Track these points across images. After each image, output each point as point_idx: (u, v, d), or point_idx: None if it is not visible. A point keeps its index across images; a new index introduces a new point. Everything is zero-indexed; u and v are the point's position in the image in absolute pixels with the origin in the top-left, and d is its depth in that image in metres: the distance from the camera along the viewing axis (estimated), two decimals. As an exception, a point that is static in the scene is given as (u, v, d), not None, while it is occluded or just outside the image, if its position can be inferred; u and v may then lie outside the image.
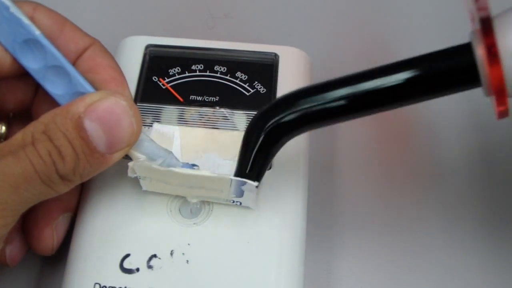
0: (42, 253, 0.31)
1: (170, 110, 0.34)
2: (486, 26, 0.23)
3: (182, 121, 0.34)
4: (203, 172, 0.29)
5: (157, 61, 0.36)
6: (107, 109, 0.26)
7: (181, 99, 0.35)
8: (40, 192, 0.26)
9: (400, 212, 0.36)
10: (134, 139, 0.27)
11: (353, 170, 0.38)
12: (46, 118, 0.26)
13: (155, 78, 0.35)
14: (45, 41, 0.28)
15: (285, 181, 0.32)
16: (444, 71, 0.25)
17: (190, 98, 0.35)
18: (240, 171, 0.28)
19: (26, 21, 0.28)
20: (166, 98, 0.35)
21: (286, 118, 0.27)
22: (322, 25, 0.44)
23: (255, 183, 0.29)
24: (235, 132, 0.33)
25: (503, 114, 0.25)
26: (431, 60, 0.25)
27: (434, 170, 0.38)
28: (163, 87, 0.35)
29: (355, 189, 0.37)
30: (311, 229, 0.33)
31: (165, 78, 0.35)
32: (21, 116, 0.33)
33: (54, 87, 0.29)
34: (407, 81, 0.25)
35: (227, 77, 0.35)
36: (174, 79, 0.35)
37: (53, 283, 0.33)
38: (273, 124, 0.27)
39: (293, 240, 0.31)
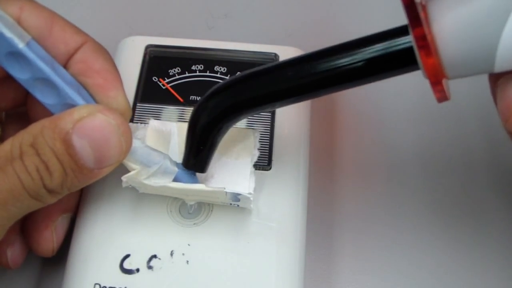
0: (43, 255, 0.31)
1: (170, 110, 0.34)
2: (412, 15, 0.22)
3: (182, 121, 0.34)
4: (197, 186, 0.29)
5: (157, 61, 0.36)
6: (95, 127, 0.26)
7: (181, 99, 0.35)
8: (28, 205, 0.26)
9: (404, 215, 0.36)
10: (123, 157, 0.27)
11: (353, 169, 0.38)
12: (34, 129, 0.26)
13: (155, 78, 0.35)
14: (30, 54, 0.27)
15: (285, 181, 0.32)
16: (383, 54, 0.24)
17: (190, 98, 0.35)
18: (187, 164, 0.29)
19: (8, 34, 0.26)
20: (166, 98, 0.35)
21: (215, 112, 0.27)
22: (322, 25, 0.44)
23: (249, 194, 0.29)
24: (233, 128, 0.33)
25: (441, 99, 0.24)
26: (371, 42, 0.24)
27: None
28: (163, 87, 0.35)
29: (355, 189, 0.37)
30: (311, 229, 0.33)
31: (165, 78, 0.35)
32: (16, 117, 0.33)
33: (44, 97, 0.28)
34: (346, 65, 0.25)
35: (227, 77, 0.35)
36: (174, 79, 0.35)
37: (54, 283, 0.33)
38: (208, 116, 0.27)
39: (293, 241, 0.31)
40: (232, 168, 0.30)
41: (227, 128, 0.28)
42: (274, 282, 0.29)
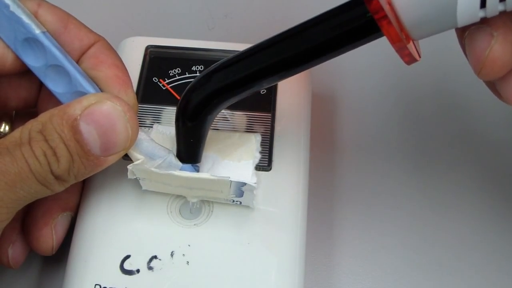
0: (43, 253, 0.31)
1: (170, 111, 0.34)
2: None
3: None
4: (202, 174, 0.29)
5: (157, 62, 0.36)
6: (103, 113, 0.26)
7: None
8: (36, 191, 0.26)
9: (405, 208, 0.36)
10: (129, 144, 0.27)
11: (353, 168, 0.38)
12: (43, 117, 0.26)
13: (155, 79, 0.36)
14: (45, 41, 0.28)
15: (285, 181, 0.32)
16: (345, 28, 0.25)
17: (190, 99, 0.35)
18: (180, 156, 0.29)
19: (26, 20, 0.28)
20: (166, 99, 0.35)
21: (194, 103, 0.28)
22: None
23: (253, 183, 0.29)
24: (235, 133, 0.33)
25: (410, 62, 0.24)
26: (333, 16, 0.25)
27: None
28: (163, 88, 0.35)
29: (356, 188, 0.37)
30: (311, 229, 0.33)
31: (165, 79, 0.35)
32: (25, 115, 0.33)
33: (55, 85, 0.29)
34: (312, 42, 0.25)
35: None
36: (174, 80, 0.35)
37: (54, 284, 0.33)
38: (190, 108, 0.28)
39: (293, 241, 0.31)
40: (235, 169, 0.30)
41: (212, 117, 0.28)
42: (274, 282, 0.29)
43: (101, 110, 0.26)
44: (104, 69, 0.29)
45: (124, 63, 0.30)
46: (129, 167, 0.29)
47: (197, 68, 0.36)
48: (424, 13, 0.23)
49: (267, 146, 0.33)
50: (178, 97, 0.35)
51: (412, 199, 0.37)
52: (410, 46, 0.24)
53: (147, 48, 0.37)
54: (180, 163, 0.30)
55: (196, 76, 0.35)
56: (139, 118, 0.34)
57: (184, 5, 0.46)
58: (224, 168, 0.31)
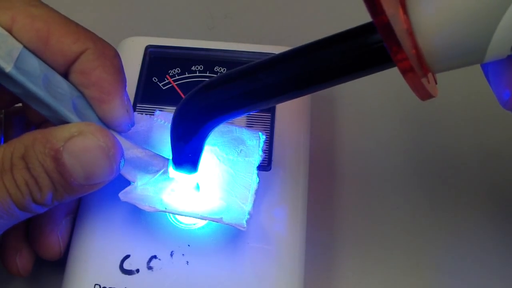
0: (50, 259, 0.31)
1: (170, 111, 0.34)
2: (386, 34, 0.20)
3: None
4: (194, 214, 0.29)
5: (157, 62, 0.36)
6: (85, 148, 0.25)
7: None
8: (17, 217, 0.26)
9: (402, 214, 0.36)
10: (113, 176, 0.27)
11: (353, 169, 0.38)
12: (26, 140, 0.25)
13: (155, 79, 0.36)
14: (18, 77, 0.26)
15: (285, 181, 0.32)
16: (355, 54, 0.23)
17: (190, 99, 0.35)
18: (176, 163, 0.28)
19: None
20: (166, 98, 0.35)
21: (197, 110, 0.26)
22: (321, 25, 0.44)
23: (243, 228, 0.28)
24: (239, 127, 0.32)
25: (425, 97, 0.22)
26: (343, 41, 0.23)
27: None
28: (163, 88, 0.35)
29: (356, 189, 0.37)
30: (311, 229, 0.33)
31: (165, 79, 0.35)
32: (15, 116, 0.33)
33: (39, 108, 0.27)
34: (320, 66, 0.24)
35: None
36: (174, 80, 0.35)
37: (54, 284, 0.33)
38: (190, 117, 0.26)
39: (293, 240, 0.31)
40: (236, 166, 0.30)
41: (208, 133, 0.27)
42: (274, 282, 0.29)
43: (83, 145, 0.25)
44: (90, 87, 0.28)
45: (124, 63, 0.29)
46: (120, 195, 0.28)
47: (197, 68, 0.36)
48: (452, 53, 0.21)
49: (267, 146, 0.33)
50: (183, 95, 0.35)
51: (412, 200, 0.37)
52: (430, 77, 0.23)
53: (147, 48, 0.37)
54: (174, 178, 0.29)
55: (196, 76, 0.36)
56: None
57: (184, 5, 0.46)
58: (226, 163, 0.31)
